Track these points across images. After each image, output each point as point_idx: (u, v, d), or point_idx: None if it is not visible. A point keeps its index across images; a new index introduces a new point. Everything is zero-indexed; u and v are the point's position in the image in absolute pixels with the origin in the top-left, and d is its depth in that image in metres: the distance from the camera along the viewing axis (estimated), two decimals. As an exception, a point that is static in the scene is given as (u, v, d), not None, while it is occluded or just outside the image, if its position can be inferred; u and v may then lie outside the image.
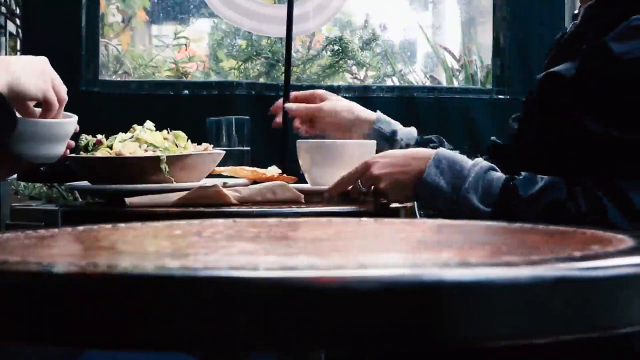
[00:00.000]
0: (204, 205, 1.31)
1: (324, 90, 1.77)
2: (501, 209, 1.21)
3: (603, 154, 1.20)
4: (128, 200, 1.33)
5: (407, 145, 1.62)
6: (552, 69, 1.27)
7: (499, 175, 1.25)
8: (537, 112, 1.32)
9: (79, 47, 2.37)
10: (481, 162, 1.26)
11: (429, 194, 1.27)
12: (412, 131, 1.66)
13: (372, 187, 1.34)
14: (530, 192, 1.20)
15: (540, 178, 1.22)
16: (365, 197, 1.36)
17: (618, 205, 1.16)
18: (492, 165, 1.26)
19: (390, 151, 1.38)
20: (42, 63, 1.25)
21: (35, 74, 1.22)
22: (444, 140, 1.65)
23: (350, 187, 1.37)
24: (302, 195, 1.39)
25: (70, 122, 1.32)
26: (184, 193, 1.34)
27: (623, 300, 0.51)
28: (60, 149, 1.32)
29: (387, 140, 1.64)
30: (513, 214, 1.20)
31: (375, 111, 1.69)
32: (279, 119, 1.77)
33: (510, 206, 1.21)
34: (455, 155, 1.28)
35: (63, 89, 1.29)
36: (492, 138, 1.58)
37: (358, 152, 1.47)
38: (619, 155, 1.19)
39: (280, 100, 1.79)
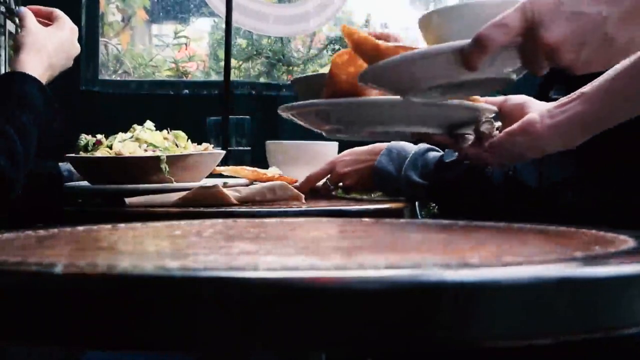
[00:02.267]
0: (204, 205, 1.31)
1: None
2: (436, 180, 1.35)
3: None
4: (128, 200, 1.33)
5: None
6: None
7: (437, 154, 1.38)
8: None
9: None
10: (421, 145, 1.41)
11: (382, 180, 1.43)
12: None
13: (340, 183, 1.52)
14: (452, 158, 1.33)
15: None
16: (333, 192, 1.55)
17: (532, 170, 1.23)
18: (432, 147, 1.40)
19: (351, 150, 1.52)
20: (72, 44, 1.41)
21: (67, 58, 1.39)
22: None
23: (321, 184, 1.55)
24: (303, 195, 1.40)
25: None
26: (184, 193, 1.34)
27: (625, 301, 0.51)
28: None
29: None
30: (443, 182, 1.34)
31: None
32: None
33: (440, 175, 1.34)
34: (407, 144, 1.43)
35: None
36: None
37: (322, 151, 1.66)
38: None
39: None
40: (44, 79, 1.32)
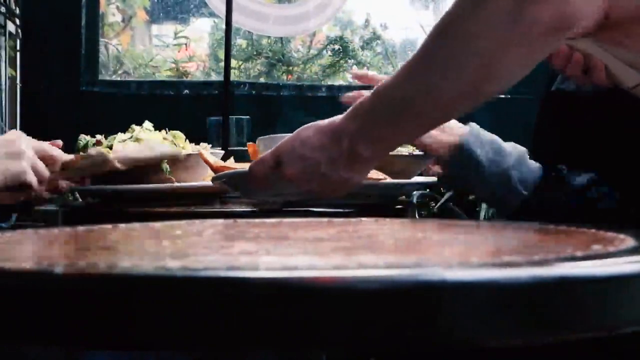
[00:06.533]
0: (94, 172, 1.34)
1: None
2: (539, 196, 1.23)
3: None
4: (113, 155, 1.34)
5: None
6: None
7: (536, 164, 1.26)
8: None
9: (79, 47, 2.37)
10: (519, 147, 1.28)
11: (462, 162, 1.26)
12: None
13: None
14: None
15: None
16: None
17: None
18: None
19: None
20: (13, 142, 1.23)
21: (7, 158, 1.20)
22: None
23: None
24: (181, 153, 1.41)
25: None
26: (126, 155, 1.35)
27: (625, 301, 0.51)
28: None
29: None
30: (543, 199, 1.23)
31: None
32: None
33: (544, 192, 1.23)
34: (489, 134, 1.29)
35: (54, 154, 1.29)
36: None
37: None
38: None
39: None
40: None
